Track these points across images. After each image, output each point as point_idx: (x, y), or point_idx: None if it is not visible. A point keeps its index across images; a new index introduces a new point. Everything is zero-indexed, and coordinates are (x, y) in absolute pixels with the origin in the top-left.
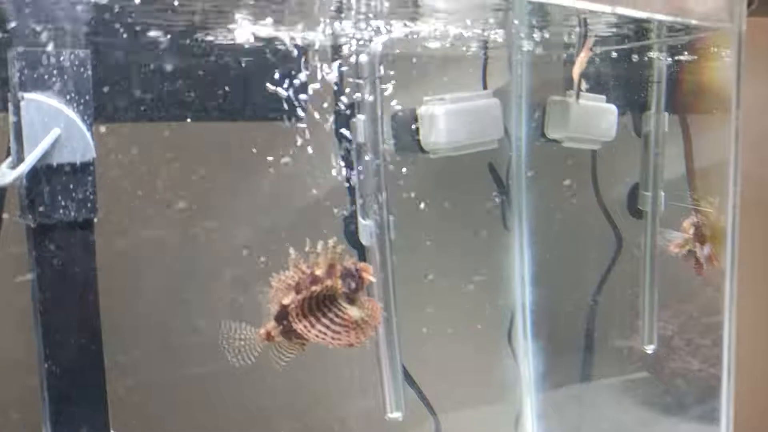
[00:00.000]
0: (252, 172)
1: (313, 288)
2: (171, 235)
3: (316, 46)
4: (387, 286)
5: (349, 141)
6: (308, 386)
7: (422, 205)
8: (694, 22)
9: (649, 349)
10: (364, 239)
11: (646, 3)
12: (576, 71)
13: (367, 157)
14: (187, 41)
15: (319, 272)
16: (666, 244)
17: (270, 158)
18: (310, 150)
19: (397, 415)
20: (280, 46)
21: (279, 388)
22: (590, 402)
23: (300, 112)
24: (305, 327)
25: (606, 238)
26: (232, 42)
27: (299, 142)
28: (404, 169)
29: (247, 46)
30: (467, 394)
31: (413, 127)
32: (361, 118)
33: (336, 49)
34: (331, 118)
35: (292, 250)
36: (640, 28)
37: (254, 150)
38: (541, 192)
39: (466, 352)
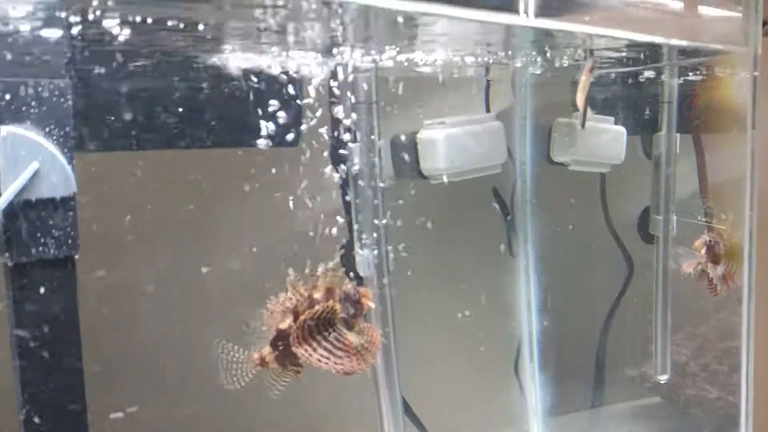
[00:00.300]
0: (245, 202)
1: (316, 308)
2: (162, 265)
3: (313, 72)
4: (386, 319)
5: (346, 169)
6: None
7: (424, 232)
8: (707, 45)
9: (663, 378)
10: (362, 270)
11: (658, 26)
12: (580, 96)
13: (363, 185)
14: (174, 67)
15: (317, 296)
16: (678, 263)
17: (265, 188)
18: (306, 179)
19: None
20: (275, 73)
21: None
22: (603, 430)
23: (294, 140)
24: (306, 351)
25: (616, 263)
26: (224, 68)
27: (295, 170)
28: (404, 196)
29: (240, 72)
30: (472, 425)
31: (413, 152)
32: (356, 145)
33: (332, 75)
34: (328, 145)
35: (291, 271)
36: (651, 50)
37: (248, 179)
38: (548, 216)
39: (471, 383)
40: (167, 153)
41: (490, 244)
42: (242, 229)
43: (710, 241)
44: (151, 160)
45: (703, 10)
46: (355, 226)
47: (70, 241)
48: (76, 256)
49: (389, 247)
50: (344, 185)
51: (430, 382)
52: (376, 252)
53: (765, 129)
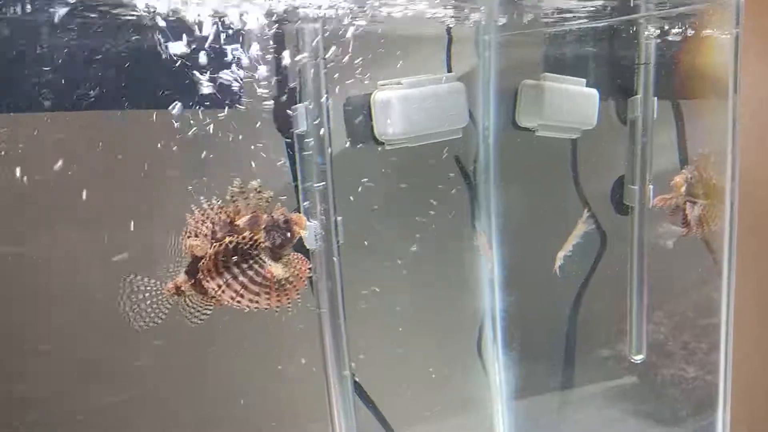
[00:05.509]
0: (177, 166)
1: (227, 239)
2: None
3: (252, 23)
4: (335, 295)
5: (290, 132)
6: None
7: (378, 202)
8: None
9: (638, 358)
10: (309, 242)
11: None
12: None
13: (309, 151)
14: (86, 18)
15: (239, 222)
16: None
17: (200, 152)
18: (246, 143)
19: None
20: (207, 23)
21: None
22: (572, 413)
23: (234, 99)
24: (219, 287)
25: (588, 237)
26: (141, 17)
27: (234, 133)
28: (357, 163)
29: (163, 22)
30: (431, 408)
31: (367, 115)
32: (301, 106)
33: (275, 28)
34: (271, 107)
35: (213, 200)
36: (625, 4)
37: (179, 142)
38: (513, 186)
39: (430, 364)
40: (91, 114)
41: (451, 216)
42: (173, 202)
43: (690, 178)
44: (72, 121)
45: None
46: (302, 195)
47: None
48: None
49: (339, 218)
50: (290, 150)
51: (385, 363)
52: (324, 221)
53: (750, 91)
